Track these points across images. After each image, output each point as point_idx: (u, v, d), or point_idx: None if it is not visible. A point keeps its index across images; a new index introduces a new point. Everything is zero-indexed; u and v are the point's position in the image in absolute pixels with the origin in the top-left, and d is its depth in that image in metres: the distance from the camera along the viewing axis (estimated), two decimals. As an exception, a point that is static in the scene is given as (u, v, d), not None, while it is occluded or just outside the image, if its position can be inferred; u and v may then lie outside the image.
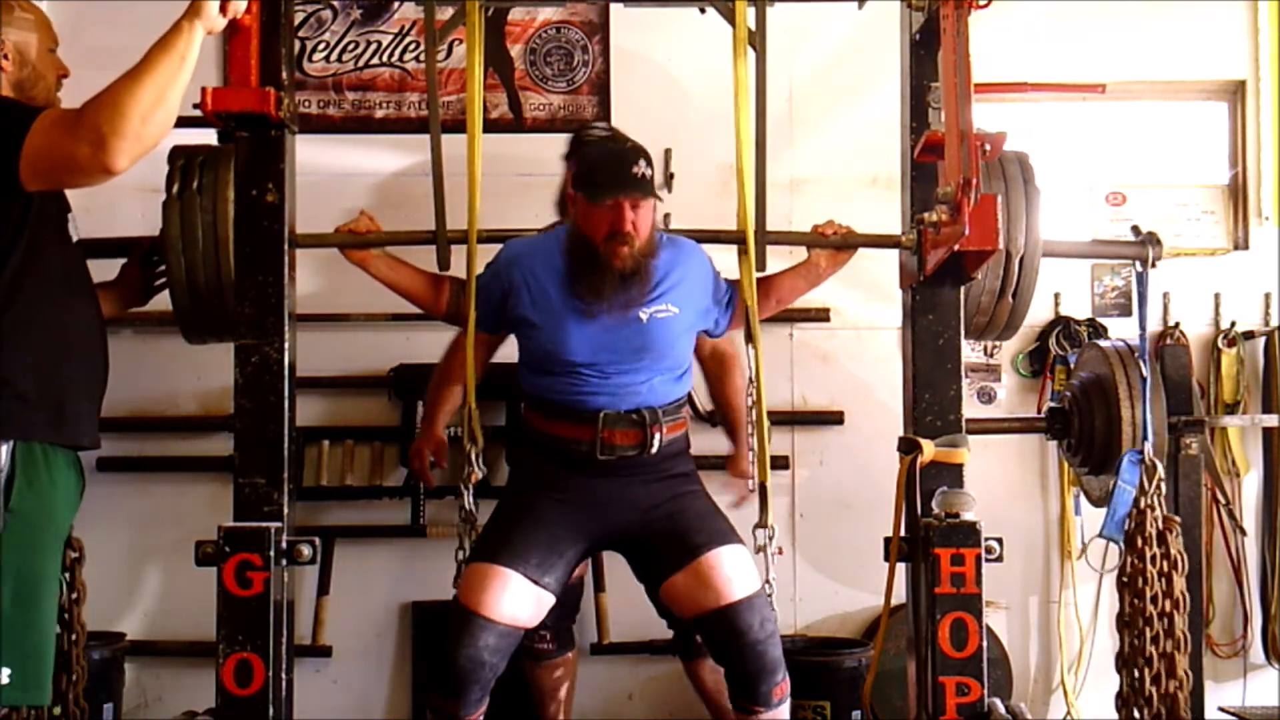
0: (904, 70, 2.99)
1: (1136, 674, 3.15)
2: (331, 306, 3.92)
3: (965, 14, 2.48)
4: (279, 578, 2.68)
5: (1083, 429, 3.52)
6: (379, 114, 4.23)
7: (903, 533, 2.88)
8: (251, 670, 2.63)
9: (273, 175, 2.77)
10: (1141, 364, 3.33)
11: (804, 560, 4.18)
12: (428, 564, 4.03)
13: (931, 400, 2.91)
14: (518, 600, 2.77)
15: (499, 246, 3.04)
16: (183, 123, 2.64)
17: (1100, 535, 3.30)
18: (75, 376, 2.50)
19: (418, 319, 3.30)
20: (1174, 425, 3.65)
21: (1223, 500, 4.18)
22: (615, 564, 3.30)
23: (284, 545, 2.71)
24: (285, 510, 2.73)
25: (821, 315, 4.15)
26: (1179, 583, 3.14)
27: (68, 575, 2.87)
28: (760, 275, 2.99)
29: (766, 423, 2.94)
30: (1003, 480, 4.19)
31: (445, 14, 2.98)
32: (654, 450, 2.91)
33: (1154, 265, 3.27)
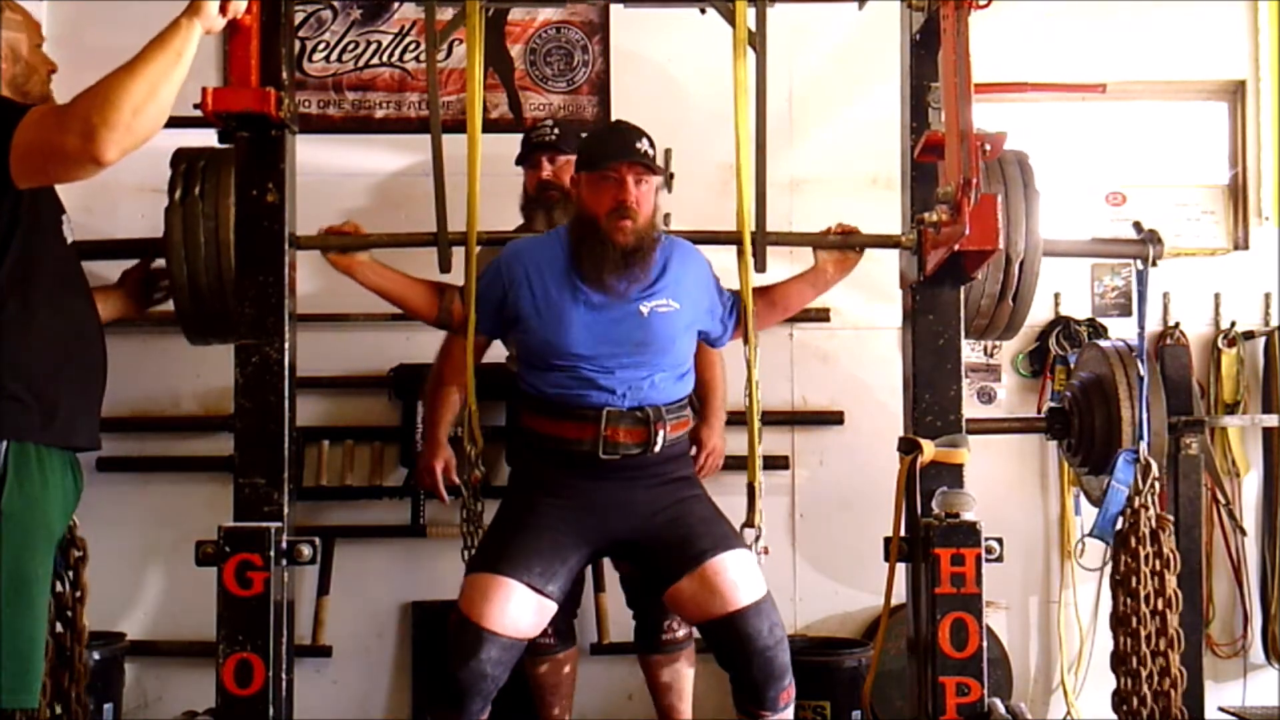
0: (904, 70, 2.99)
1: (1131, 673, 3.16)
2: (331, 306, 3.92)
3: (965, 14, 2.48)
4: (279, 578, 2.69)
5: (1083, 429, 3.53)
6: (379, 114, 4.23)
7: (903, 533, 2.88)
8: (251, 670, 2.63)
9: (273, 175, 2.77)
10: (1140, 362, 3.33)
11: (804, 560, 4.18)
12: (428, 564, 4.04)
13: (931, 400, 2.91)
14: (521, 611, 2.74)
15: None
16: (183, 123, 2.66)
17: (1091, 534, 3.31)
18: (70, 377, 2.49)
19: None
20: (1174, 425, 3.65)
21: (1223, 500, 4.18)
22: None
23: (284, 545, 2.71)
24: (285, 510, 2.73)
25: (821, 315, 4.15)
26: (1171, 582, 3.15)
27: (71, 574, 2.87)
28: (768, 284, 3.01)
29: (758, 424, 2.95)
30: (1003, 480, 4.19)
31: (445, 14, 2.98)
32: (657, 449, 2.88)
33: (1155, 263, 3.27)
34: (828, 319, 4.17)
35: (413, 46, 4.23)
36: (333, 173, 4.07)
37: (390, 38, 4.24)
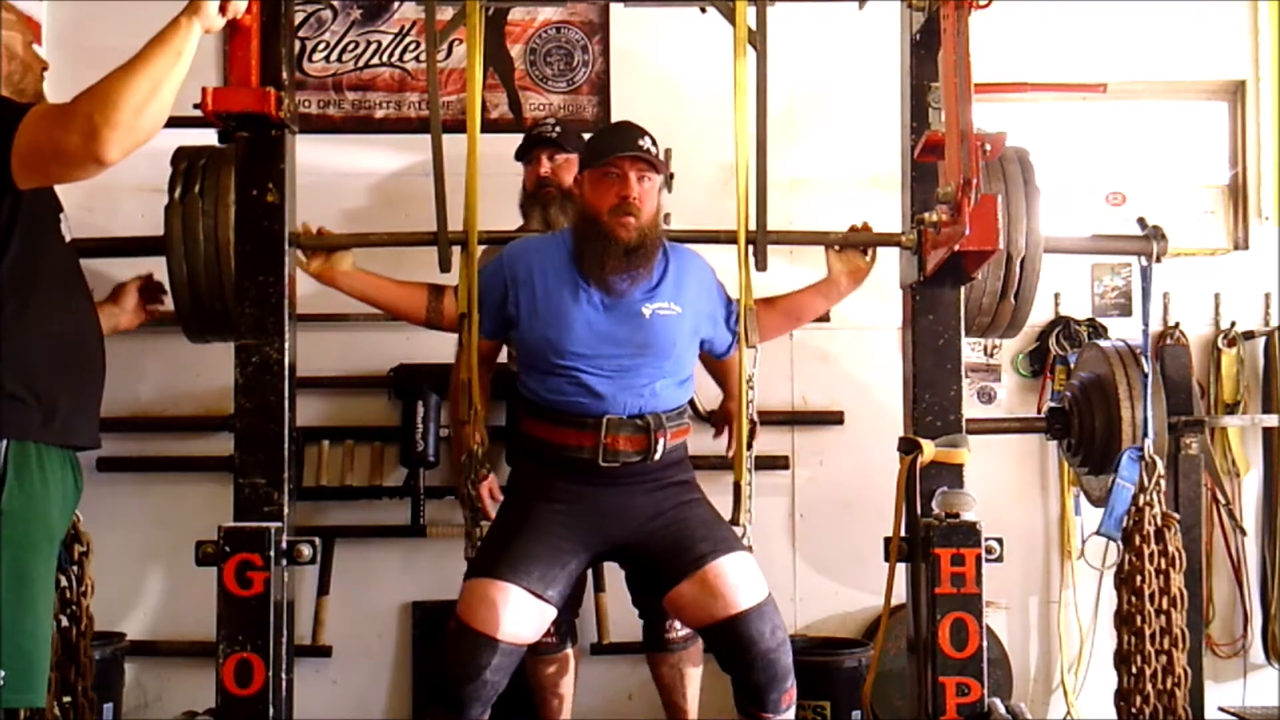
0: (904, 70, 2.99)
1: (1134, 672, 3.16)
2: (331, 306, 3.90)
3: (965, 14, 2.48)
4: (279, 578, 2.69)
5: (1083, 429, 3.53)
6: (379, 114, 4.23)
7: (903, 533, 2.88)
8: (251, 670, 2.63)
9: (273, 175, 2.77)
10: (1143, 360, 3.32)
11: (804, 560, 4.18)
12: (428, 564, 4.04)
13: (931, 400, 2.91)
14: (520, 616, 2.73)
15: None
16: (183, 123, 2.65)
17: (1098, 533, 3.31)
18: (70, 375, 2.48)
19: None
20: (1174, 425, 3.65)
21: (1223, 500, 4.18)
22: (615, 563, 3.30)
23: (284, 545, 2.71)
24: (285, 510, 2.73)
25: (822, 316, 4.12)
26: (1176, 580, 3.15)
27: (76, 569, 2.89)
28: (781, 294, 3.02)
29: (746, 424, 2.97)
30: (1003, 480, 4.19)
31: (445, 14, 2.98)
32: (657, 457, 2.88)
33: (1159, 260, 3.27)
34: (828, 319, 4.14)
35: (413, 46, 4.23)
36: (333, 173, 4.07)
37: (390, 38, 4.24)
